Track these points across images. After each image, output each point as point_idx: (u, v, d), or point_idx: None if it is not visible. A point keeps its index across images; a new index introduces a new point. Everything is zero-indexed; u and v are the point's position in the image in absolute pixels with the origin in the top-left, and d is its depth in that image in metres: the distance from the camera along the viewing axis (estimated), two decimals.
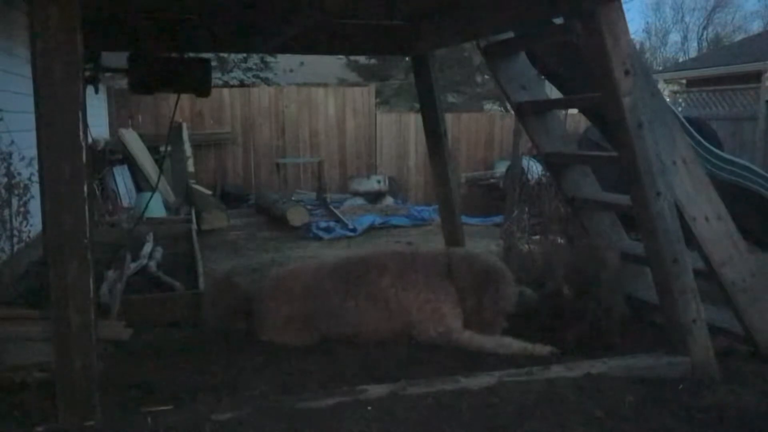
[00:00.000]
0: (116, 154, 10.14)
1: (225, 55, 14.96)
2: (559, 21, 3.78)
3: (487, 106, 18.61)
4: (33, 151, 4.89)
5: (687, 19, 42.27)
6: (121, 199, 9.70)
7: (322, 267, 4.34)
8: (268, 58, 16.43)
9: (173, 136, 10.42)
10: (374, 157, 13.31)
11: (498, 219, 9.15)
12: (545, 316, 4.10)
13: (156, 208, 9.02)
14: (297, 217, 9.46)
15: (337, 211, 10.19)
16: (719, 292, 3.84)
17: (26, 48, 6.08)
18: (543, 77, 4.87)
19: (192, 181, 11.07)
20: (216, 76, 13.83)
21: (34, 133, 4.39)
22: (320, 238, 8.78)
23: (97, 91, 5.13)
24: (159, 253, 6.59)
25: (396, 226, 9.73)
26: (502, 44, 4.47)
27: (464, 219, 6.53)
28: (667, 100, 10.27)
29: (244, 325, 4.24)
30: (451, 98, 17.34)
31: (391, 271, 4.10)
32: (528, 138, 4.84)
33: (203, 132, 12.33)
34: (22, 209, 5.07)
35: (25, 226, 5.15)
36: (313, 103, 13.02)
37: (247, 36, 4.77)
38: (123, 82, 9.86)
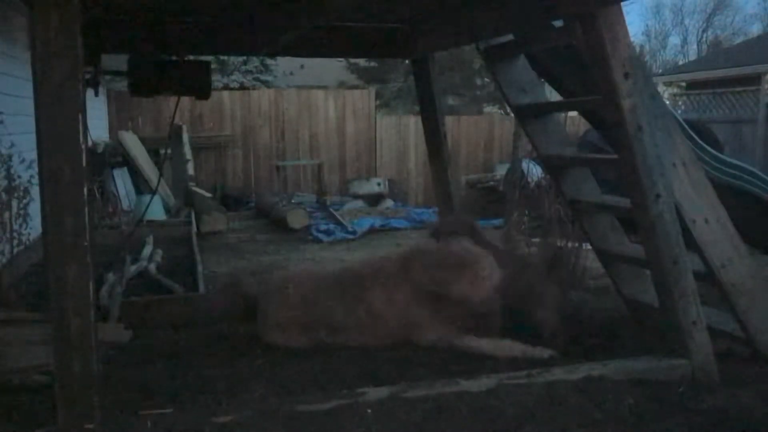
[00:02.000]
0: (116, 156, 10.13)
1: (225, 57, 14.96)
2: (558, 24, 3.78)
3: (487, 108, 18.61)
4: (33, 154, 4.89)
5: (687, 22, 42.39)
6: (120, 202, 9.70)
7: (326, 273, 4.36)
8: (268, 61, 16.43)
9: (173, 139, 10.41)
10: (374, 160, 13.31)
11: (498, 221, 9.14)
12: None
13: (156, 211, 9.02)
14: (297, 219, 9.47)
15: (337, 214, 10.19)
16: (719, 294, 3.84)
17: (26, 50, 6.08)
18: (543, 80, 4.87)
19: (192, 183, 11.05)
20: (216, 79, 13.82)
21: (34, 136, 4.38)
22: (320, 241, 8.78)
23: (97, 93, 5.12)
24: (159, 255, 6.60)
25: (396, 229, 9.73)
26: (501, 47, 4.48)
27: None
28: (667, 102, 10.29)
29: (248, 326, 4.25)
30: (450, 101, 17.33)
31: (387, 279, 4.07)
32: (528, 140, 4.84)
33: (203, 134, 12.34)
34: (22, 212, 5.07)
35: (25, 229, 5.15)
36: (313, 106, 13.03)
37: (247, 38, 4.77)
38: (123, 85, 9.86)
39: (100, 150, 9.12)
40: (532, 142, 4.60)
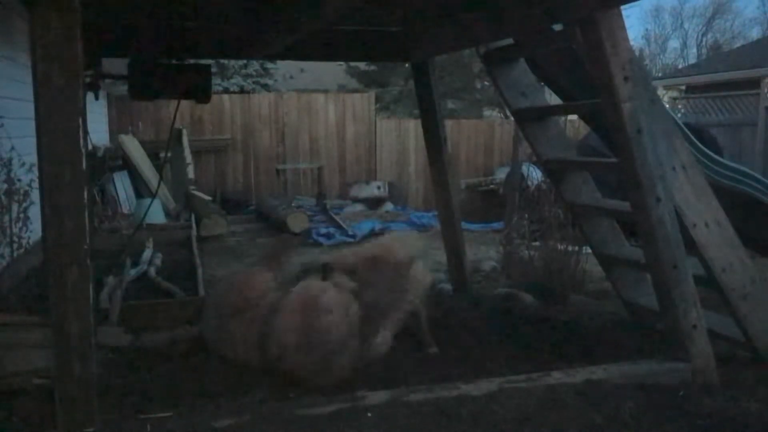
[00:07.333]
0: (116, 160, 10.14)
1: (225, 61, 14.98)
2: (558, 27, 3.79)
3: (487, 112, 18.64)
4: (33, 157, 4.86)
5: (686, 25, 42.38)
6: (121, 206, 9.70)
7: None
8: (268, 65, 16.46)
9: (173, 143, 10.42)
10: (374, 163, 13.31)
11: (498, 225, 9.15)
12: None
13: (156, 214, 9.02)
14: (297, 223, 9.47)
15: (337, 217, 10.19)
16: (719, 298, 3.83)
17: (27, 54, 6.08)
18: (542, 83, 4.88)
19: (192, 187, 11.06)
20: (216, 83, 13.84)
21: (34, 139, 4.37)
22: (320, 244, 8.78)
23: (97, 97, 5.13)
24: (159, 259, 6.59)
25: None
26: (501, 51, 4.48)
27: (464, 225, 6.52)
28: (667, 106, 10.30)
29: None
30: (450, 104, 17.36)
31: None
32: (527, 144, 4.85)
33: (203, 138, 12.35)
34: (21, 215, 5.07)
35: (25, 232, 5.15)
36: (313, 110, 13.03)
37: (247, 42, 4.78)
38: (123, 89, 9.86)
39: (100, 153, 9.12)
40: (532, 145, 4.61)
